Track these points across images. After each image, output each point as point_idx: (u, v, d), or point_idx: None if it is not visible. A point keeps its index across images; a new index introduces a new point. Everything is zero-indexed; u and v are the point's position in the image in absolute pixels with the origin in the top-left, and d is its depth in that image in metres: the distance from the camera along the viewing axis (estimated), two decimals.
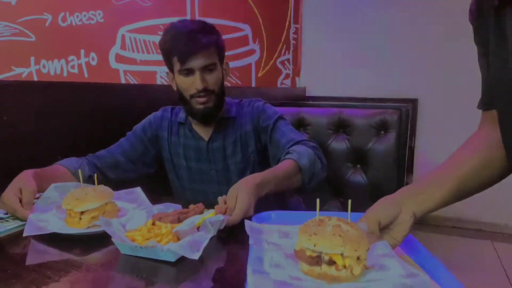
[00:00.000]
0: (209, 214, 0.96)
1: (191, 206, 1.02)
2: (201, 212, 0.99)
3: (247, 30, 3.18)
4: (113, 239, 0.83)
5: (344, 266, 0.69)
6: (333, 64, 3.75)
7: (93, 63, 2.21)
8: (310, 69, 3.80)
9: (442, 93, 3.40)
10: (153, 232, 0.85)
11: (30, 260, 0.86)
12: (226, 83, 1.53)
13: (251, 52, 3.27)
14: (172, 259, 0.79)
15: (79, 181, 1.10)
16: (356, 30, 3.67)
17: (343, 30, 3.72)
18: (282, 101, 2.97)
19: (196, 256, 0.76)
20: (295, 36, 3.83)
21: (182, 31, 1.36)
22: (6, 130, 1.35)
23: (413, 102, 3.35)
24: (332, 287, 0.68)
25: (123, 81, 2.44)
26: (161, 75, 2.67)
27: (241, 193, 1.05)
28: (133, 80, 2.47)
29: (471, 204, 3.19)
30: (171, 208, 1.03)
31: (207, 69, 1.38)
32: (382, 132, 1.61)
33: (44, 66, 2.01)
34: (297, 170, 1.27)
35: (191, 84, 1.38)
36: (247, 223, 0.88)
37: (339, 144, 1.67)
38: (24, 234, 0.91)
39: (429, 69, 3.44)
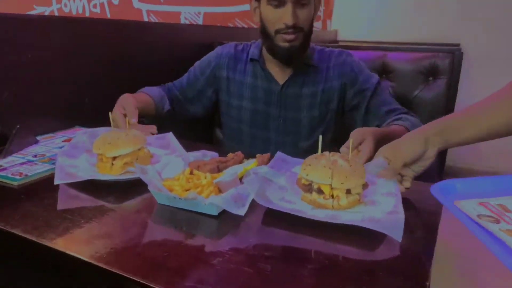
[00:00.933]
0: (251, 164, 0.89)
1: (230, 155, 0.94)
2: (241, 162, 0.92)
3: None
4: (149, 188, 0.77)
5: (332, 196, 0.75)
6: (366, 5, 3.51)
7: (115, 2, 2.10)
8: (342, 11, 3.56)
9: (486, 40, 3.16)
10: (193, 183, 0.78)
11: (62, 206, 0.81)
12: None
13: None
14: (215, 212, 0.73)
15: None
16: None
17: None
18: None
19: (241, 211, 0.69)
20: None
21: None
22: (31, 68, 1.26)
23: (455, 47, 3.12)
24: (314, 212, 0.74)
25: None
26: (185, 16, 2.54)
27: (369, 140, 0.96)
28: (156, 20, 2.36)
29: (498, 157, 3.10)
30: (208, 156, 0.96)
31: (300, 2, 1.21)
32: (431, 78, 1.47)
33: (65, 5, 1.94)
34: None
35: (279, 18, 1.22)
36: (277, 154, 0.94)
37: None
38: (56, 182, 0.85)
39: (472, 13, 3.18)
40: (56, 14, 1.64)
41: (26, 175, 0.91)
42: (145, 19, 2.32)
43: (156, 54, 1.69)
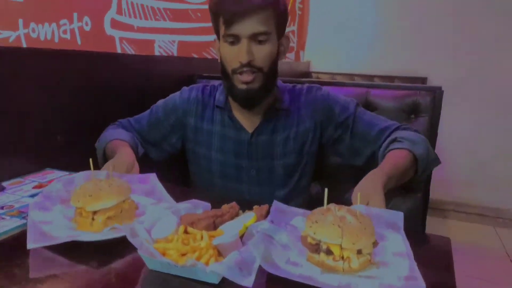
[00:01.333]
0: (250, 220, 0.82)
1: (225, 207, 0.87)
2: (237, 214, 0.85)
3: None
4: (139, 252, 0.69)
5: (342, 257, 0.69)
6: (339, 38, 3.58)
7: (87, 28, 2.02)
8: (315, 43, 3.62)
9: (451, 73, 3.27)
10: (189, 245, 0.70)
11: (35, 274, 0.71)
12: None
13: None
14: (215, 281, 0.66)
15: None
16: (366, 2, 3.49)
17: (352, 3, 3.54)
18: (284, 77, 2.81)
19: (249, 282, 0.62)
20: (301, 6, 3.60)
21: None
22: None
23: (423, 80, 3.22)
24: (324, 276, 0.68)
25: (118, 49, 2.25)
26: (159, 44, 2.48)
27: (374, 200, 0.88)
28: (129, 48, 2.28)
29: (474, 189, 3.21)
30: (200, 207, 0.88)
31: (256, 38, 1.10)
32: (413, 116, 1.47)
33: (33, 30, 1.84)
34: (413, 160, 1.10)
35: (235, 55, 1.12)
36: (274, 204, 0.86)
37: None
38: (29, 247, 0.74)
39: (438, 48, 3.30)
40: (23, 39, 1.55)
41: None
42: (118, 46, 2.24)
43: (135, 87, 1.61)
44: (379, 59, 3.49)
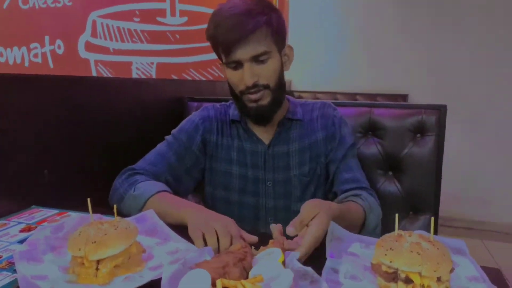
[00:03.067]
0: (280, 256, 0.72)
1: (234, 247, 0.77)
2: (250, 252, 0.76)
3: None
4: None
5: (422, 286, 0.65)
6: (320, 57, 3.59)
7: (59, 51, 1.92)
8: (295, 62, 3.54)
9: (431, 90, 3.32)
10: None
11: None
12: (206, 75, 1.23)
13: None
14: None
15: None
16: (346, 21, 3.52)
17: (333, 21, 3.56)
18: None
19: None
20: None
21: (225, 15, 1.10)
22: None
23: (404, 98, 3.24)
24: None
25: (94, 72, 2.14)
26: (137, 66, 2.38)
27: (321, 217, 0.83)
28: (105, 71, 2.18)
29: (462, 203, 3.22)
30: (205, 254, 0.76)
31: (257, 59, 1.11)
32: (419, 135, 1.42)
33: (1, 55, 1.73)
34: (362, 220, 1.11)
35: (240, 79, 1.13)
36: (331, 225, 0.82)
37: (368, 149, 1.46)
38: None
39: (418, 64, 3.35)
40: None
41: None
42: (93, 69, 2.14)
43: (125, 111, 1.48)
44: (360, 77, 3.50)
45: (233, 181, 1.28)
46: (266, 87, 1.15)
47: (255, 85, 1.12)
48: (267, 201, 1.27)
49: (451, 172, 3.18)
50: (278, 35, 1.15)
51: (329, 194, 1.30)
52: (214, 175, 1.30)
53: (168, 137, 1.30)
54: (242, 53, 1.09)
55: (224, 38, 1.09)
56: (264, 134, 1.27)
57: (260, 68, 1.12)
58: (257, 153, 1.27)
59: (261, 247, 0.80)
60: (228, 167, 1.29)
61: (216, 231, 0.86)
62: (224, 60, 1.15)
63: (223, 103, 1.38)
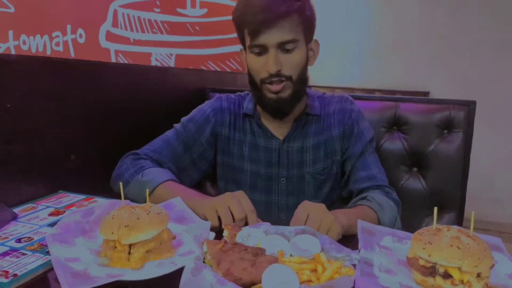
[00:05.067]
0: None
1: (228, 228, 0.80)
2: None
3: None
4: None
5: (462, 282, 0.64)
6: (339, 53, 3.55)
7: (81, 40, 1.91)
8: None
9: (452, 86, 3.26)
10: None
11: None
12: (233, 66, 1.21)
13: None
14: None
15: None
16: (367, 17, 3.47)
17: (354, 17, 3.52)
18: None
19: None
20: None
21: None
22: None
23: (424, 94, 3.19)
24: None
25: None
26: (156, 58, 2.38)
27: (334, 230, 0.88)
28: (125, 62, 2.18)
29: (480, 203, 3.17)
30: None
31: (284, 47, 1.06)
32: (446, 131, 1.39)
33: (24, 42, 1.73)
34: (375, 221, 1.06)
35: (263, 66, 1.08)
36: (359, 222, 0.82)
37: (392, 144, 1.44)
38: None
39: (440, 61, 3.29)
40: (13, 52, 1.44)
41: (15, 275, 0.64)
42: (113, 59, 2.14)
43: (147, 99, 1.48)
44: (379, 73, 3.45)
45: (245, 177, 1.24)
46: (289, 78, 1.09)
47: (278, 74, 1.07)
48: (279, 198, 1.24)
49: (470, 170, 3.15)
50: (309, 25, 1.11)
51: (343, 192, 1.26)
52: (226, 170, 1.27)
53: (177, 125, 1.26)
54: (270, 37, 1.04)
55: (253, 18, 1.04)
56: (279, 129, 1.22)
57: (285, 57, 1.07)
58: (271, 150, 1.22)
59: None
60: (240, 163, 1.25)
61: (229, 208, 0.90)
62: (248, 43, 1.09)
63: (238, 93, 1.33)
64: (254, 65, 1.11)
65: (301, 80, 1.13)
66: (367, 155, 1.21)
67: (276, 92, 1.10)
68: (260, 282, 0.61)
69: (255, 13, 1.03)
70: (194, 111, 1.28)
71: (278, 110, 1.15)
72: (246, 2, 1.06)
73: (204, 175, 1.30)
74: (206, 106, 1.27)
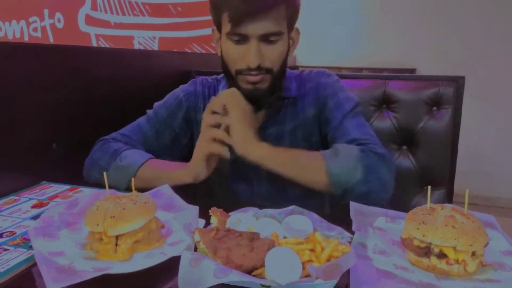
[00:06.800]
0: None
1: (214, 212, 0.78)
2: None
3: None
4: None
5: (457, 261, 0.63)
6: (326, 32, 3.52)
7: (59, 25, 1.86)
8: (301, 37, 3.48)
9: (439, 63, 3.25)
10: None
11: None
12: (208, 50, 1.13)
13: None
14: None
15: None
16: None
17: None
18: None
19: None
20: None
21: None
22: None
23: (411, 71, 3.18)
24: (442, 283, 0.61)
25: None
26: (139, 41, 2.32)
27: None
28: (106, 46, 2.13)
29: (468, 178, 3.20)
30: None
31: (267, 38, 0.97)
32: (435, 108, 1.38)
33: (0, 29, 1.69)
34: (323, 171, 0.93)
35: (241, 56, 0.98)
36: (352, 204, 0.79)
37: (381, 123, 1.42)
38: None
39: (426, 39, 3.28)
40: None
41: None
42: (94, 44, 2.09)
43: (132, 84, 1.43)
44: (366, 51, 3.44)
45: (222, 166, 1.12)
46: (269, 71, 1.01)
47: (258, 68, 0.98)
48: (260, 186, 1.16)
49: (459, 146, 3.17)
50: (293, 15, 1.03)
51: None
52: None
53: (149, 111, 1.20)
54: (254, 28, 0.95)
55: (236, 5, 0.93)
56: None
57: (267, 48, 0.98)
58: None
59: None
60: None
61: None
62: (227, 30, 0.98)
63: (215, 76, 1.25)
64: (231, 54, 1.01)
65: (281, 72, 1.05)
66: (345, 122, 1.07)
67: (254, 83, 1.01)
68: (261, 266, 0.60)
69: (239, 0, 0.92)
70: (167, 96, 1.22)
71: (254, 102, 1.04)
72: None
73: (180, 159, 1.20)
74: (179, 91, 1.21)
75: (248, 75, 0.99)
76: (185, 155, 1.19)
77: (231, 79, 1.05)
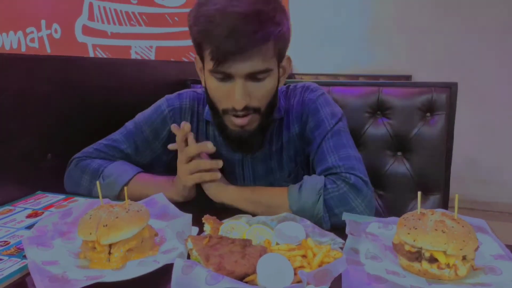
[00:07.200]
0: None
1: (208, 220, 0.79)
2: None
3: None
4: None
5: (448, 265, 0.64)
6: (322, 39, 3.54)
7: (56, 35, 1.87)
8: (297, 45, 3.51)
9: (435, 71, 3.27)
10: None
11: None
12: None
13: None
14: None
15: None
16: (347, 2, 3.46)
17: (334, 3, 3.51)
18: None
19: None
20: None
21: (224, 10, 0.83)
22: None
23: (407, 78, 3.20)
24: (433, 287, 0.61)
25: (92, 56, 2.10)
26: (136, 51, 2.34)
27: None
28: (103, 56, 2.14)
29: (464, 183, 3.21)
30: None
31: (254, 76, 0.88)
32: (428, 114, 1.39)
33: None
34: (286, 209, 0.91)
35: (226, 95, 0.90)
36: (344, 215, 0.80)
37: (376, 130, 1.43)
38: None
39: (422, 46, 3.30)
40: None
41: None
42: (91, 54, 2.10)
43: (126, 93, 1.45)
44: (361, 59, 3.45)
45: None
46: (256, 110, 0.92)
47: (244, 108, 0.89)
48: (246, 185, 1.10)
49: (454, 152, 3.18)
50: (284, 46, 0.94)
51: None
52: None
53: (128, 124, 1.12)
54: (239, 67, 0.86)
55: (219, 43, 0.82)
56: None
57: (254, 86, 0.90)
58: (233, 162, 1.09)
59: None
60: None
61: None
62: (210, 67, 0.88)
63: (202, 90, 1.12)
64: (215, 92, 0.92)
65: (270, 108, 0.97)
66: (324, 144, 1.00)
67: (242, 126, 0.93)
68: (252, 273, 0.60)
69: (222, 37, 0.82)
70: (150, 109, 1.14)
71: (241, 144, 0.99)
72: (210, 18, 0.83)
73: (160, 173, 1.13)
74: (164, 106, 1.12)
75: (235, 116, 0.92)
76: (166, 169, 1.14)
77: (218, 117, 0.97)
